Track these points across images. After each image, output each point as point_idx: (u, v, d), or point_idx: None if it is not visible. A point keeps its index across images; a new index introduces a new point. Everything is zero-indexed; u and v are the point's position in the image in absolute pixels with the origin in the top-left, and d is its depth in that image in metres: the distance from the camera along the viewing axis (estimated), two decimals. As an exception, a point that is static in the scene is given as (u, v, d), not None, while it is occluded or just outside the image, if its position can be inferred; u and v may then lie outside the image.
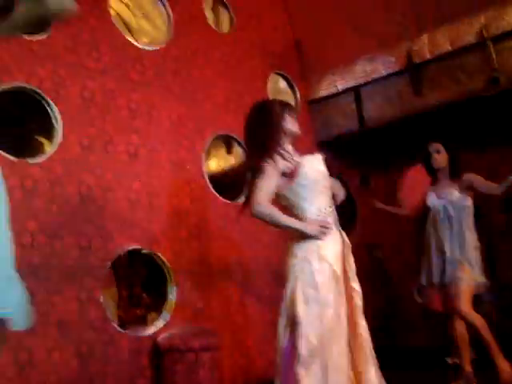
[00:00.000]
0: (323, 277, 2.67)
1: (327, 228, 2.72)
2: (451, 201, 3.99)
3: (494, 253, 5.13)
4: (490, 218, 5.15)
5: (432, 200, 4.11)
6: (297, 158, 2.85)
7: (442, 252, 3.96)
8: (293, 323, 2.68)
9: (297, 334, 2.61)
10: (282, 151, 2.80)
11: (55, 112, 3.79)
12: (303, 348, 2.56)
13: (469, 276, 3.85)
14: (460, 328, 3.99)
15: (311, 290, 2.66)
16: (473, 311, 3.81)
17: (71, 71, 3.92)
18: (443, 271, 3.93)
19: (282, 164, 2.77)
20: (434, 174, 4.18)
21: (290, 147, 2.89)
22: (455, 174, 4.05)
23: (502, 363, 3.70)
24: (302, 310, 2.64)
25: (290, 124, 2.89)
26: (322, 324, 2.61)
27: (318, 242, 2.72)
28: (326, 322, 2.62)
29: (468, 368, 3.91)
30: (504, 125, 5.41)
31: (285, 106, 2.97)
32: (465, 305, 3.81)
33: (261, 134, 2.83)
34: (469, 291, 3.86)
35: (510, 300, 4.72)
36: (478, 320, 3.76)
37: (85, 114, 3.94)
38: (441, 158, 4.10)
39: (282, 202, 2.83)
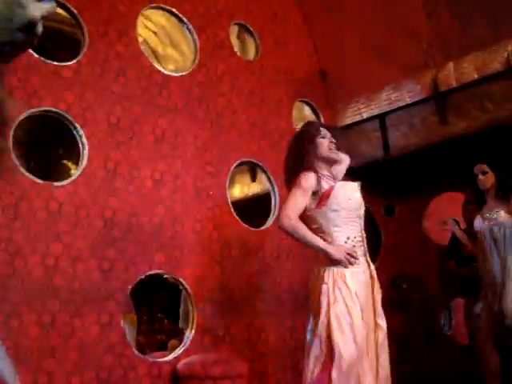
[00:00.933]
0: (353, 304, 2.64)
1: (353, 257, 2.68)
2: (497, 222, 3.88)
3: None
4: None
5: (478, 224, 4.00)
6: (332, 182, 2.85)
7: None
8: (328, 352, 2.63)
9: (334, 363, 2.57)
10: (317, 171, 2.80)
11: (82, 136, 3.84)
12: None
13: None
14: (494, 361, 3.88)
15: (346, 316, 2.62)
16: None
17: (98, 96, 3.98)
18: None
19: (315, 182, 2.77)
20: (480, 196, 4.08)
21: (325, 172, 2.89)
22: (504, 195, 3.94)
23: None
24: (338, 337, 2.59)
25: (322, 148, 2.89)
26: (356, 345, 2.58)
27: (345, 270, 2.68)
28: (359, 342, 2.59)
29: None
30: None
31: (319, 128, 2.99)
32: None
33: (296, 153, 2.86)
34: None
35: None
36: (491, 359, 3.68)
37: (111, 139, 3.98)
38: (487, 179, 4.02)
39: (312, 224, 2.81)
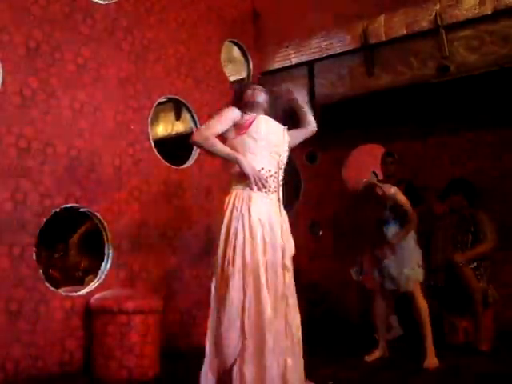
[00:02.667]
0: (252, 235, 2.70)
1: (262, 182, 2.74)
2: None
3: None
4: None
5: None
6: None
7: None
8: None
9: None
10: (243, 108, 2.95)
11: (-5, 58, 3.61)
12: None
13: None
14: (379, 306, 4.28)
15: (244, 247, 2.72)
16: (421, 295, 4.02)
17: (16, 17, 3.73)
18: None
19: (239, 115, 2.89)
20: None
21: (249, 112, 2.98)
22: None
23: (431, 352, 3.92)
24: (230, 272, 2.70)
25: (247, 95, 3.05)
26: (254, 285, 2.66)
27: (252, 193, 2.75)
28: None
29: (382, 342, 4.27)
30: (449, 113, 5.54)
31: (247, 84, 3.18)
32: (417, 288, 4.03)
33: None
34: None
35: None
36: (423, 303, 3.99)
37: (29, 65, 3.76)
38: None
39: None
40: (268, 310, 2.62)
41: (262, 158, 2.83)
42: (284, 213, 2.93)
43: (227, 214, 2.79)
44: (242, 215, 2.72)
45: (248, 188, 2.78)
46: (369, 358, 4.14)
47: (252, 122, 2.88)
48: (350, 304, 6.01)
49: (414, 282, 4.02)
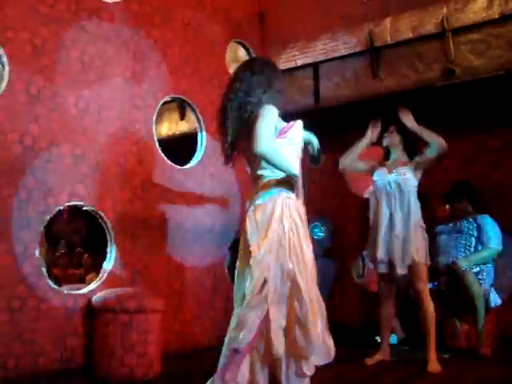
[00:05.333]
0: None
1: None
2: (404, 178, 4.09)
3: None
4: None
5: (381, 175, 4.20)
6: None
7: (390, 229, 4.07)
8: None
9: None
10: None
11: (2, 56, 3.62)
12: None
13: None
14: (385, 308, 4.22)
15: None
16: (429, 296, 3.99)
17: (22, 14, 3.74)
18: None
19: (277, 115, 2.77)
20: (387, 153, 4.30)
21: None
22: (410, 155, 4.22)
23: (434, 356, 3.90)
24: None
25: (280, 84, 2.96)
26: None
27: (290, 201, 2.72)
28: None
29: (385, 345, 4.23)
30: (453, 116, 5.53)
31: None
32: (425, 287, 3.99)
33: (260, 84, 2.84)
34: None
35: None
36: (430, 307, 3.94)
37: (34, 62, 3.77)
38: (393, 138, 4.22)
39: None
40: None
41: (296, 165, 2.80)
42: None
43: (276, 219, 2.69)
44: (296, 224, 2.70)
45: (292, 194, 2.74)
46: (369, 362, 4.13)
47: (291, 126, 2.81)
48: (350, 305, 6.01)
49: (422, 256, 3.98)
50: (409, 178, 4.08)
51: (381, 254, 4.07)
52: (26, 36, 3.74)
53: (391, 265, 4.05)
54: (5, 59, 3.61)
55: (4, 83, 3.61)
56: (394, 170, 4.14)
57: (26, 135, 3.67)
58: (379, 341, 4.38)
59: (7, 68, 3.62)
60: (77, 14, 4.06)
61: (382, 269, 4.11)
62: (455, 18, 4.69)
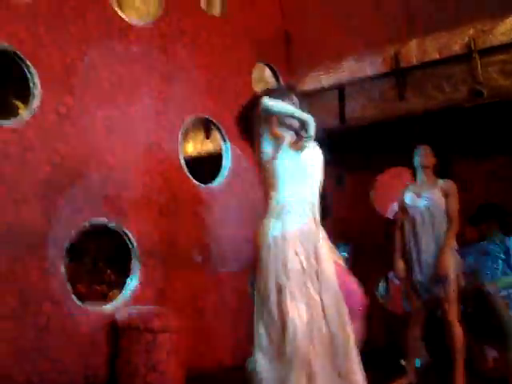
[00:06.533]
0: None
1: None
2: (434, 202, 4.08)
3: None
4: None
5: (412, 199, 4.17)
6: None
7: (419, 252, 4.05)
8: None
9: None
10: None
11: (34, 76, 3.70)
12: None
13: None
14: (414, 333, 4.16)
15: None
16: (458, 321, 3.93)
17: (54, 36, 3.82)
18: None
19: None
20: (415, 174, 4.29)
21: None
22: (440, 176, 4.20)
23: (462, 382, 3.87)
24: None
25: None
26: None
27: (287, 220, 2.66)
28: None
29: (411, 368, 4.18)
30: (479, 136, 5.47)
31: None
32: (454, 313, 3.93)
33: None
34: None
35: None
36: (459, 331, 3.90)
37: (64, 82, 3.85)
38: (426, 158, 4.22)
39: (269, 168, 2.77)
40: None
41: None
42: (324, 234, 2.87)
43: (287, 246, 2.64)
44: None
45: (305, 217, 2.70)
46: None
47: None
48: (373, 327, 5.92)
49: (453, 278, 3.93)
50: (438, 201, 4.05)
51: (414, 276, 4.05)
52: (57, 56, 3.82)
53: (422, 287, 4.02)
54: (36, 79, 3.69)
55: (36, 102, 3.68)
56: (422, 194, 4.13)
57: (55, 154, 3.73)
58: (404, 364, 4.31)
59: (39, 87, 3.69)
60: (106, 35, 4.14)
61: (414, 291, 4.07)
62: (482, 39, 4.67)
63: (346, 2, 5.57)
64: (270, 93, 2.85)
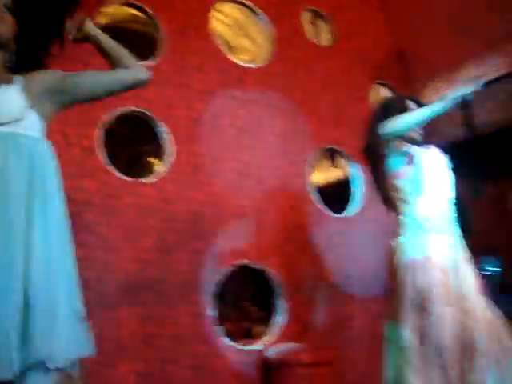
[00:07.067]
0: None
1: None
2: None
3: None
4: None
5: None
6: None
7: None
8: None
9: None
10: None
11: (164, 133, 3.95)
12: None
13: None
14: None
15: None
16: None
17: (178, 93, 4.07)
18: None
19: None
20: None
21: None
22: None
23: None
24: None
25: None
26: None
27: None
28: None
29: None
30: None
31: None
32: None
33: None
34: None
35: None
36: None
37: (193, 134, 4.07)
38: None
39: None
40: None
41: None
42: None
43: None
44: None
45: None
46: None
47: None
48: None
49: None
50: None
51: None
52: (183, 111, 4.06)
53: None
54: (165, 135, 3.94)
55: (169, 158, 3.92)
56: None
57: (193, 202, 3.94)
58: None
59: (170, 143, 3.94)
60: (225, 84, 4.33)
61: None
62: None
63: (455, 5, 5.38)
64: (386, 110, 2.79)
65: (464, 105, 5.29)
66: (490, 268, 5.92)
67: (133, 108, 3.87)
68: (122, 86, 1.96)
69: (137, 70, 1.97)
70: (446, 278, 2.53)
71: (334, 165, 6.21)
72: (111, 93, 1.98)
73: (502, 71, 5.04)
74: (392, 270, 2.60)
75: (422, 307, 2.46)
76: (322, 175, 6.41)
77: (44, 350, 1.57)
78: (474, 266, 2.68)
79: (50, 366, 1.57)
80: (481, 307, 2.54)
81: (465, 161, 5.40)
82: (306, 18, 5.23)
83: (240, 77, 4.43)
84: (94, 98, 1.98)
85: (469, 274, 2.62)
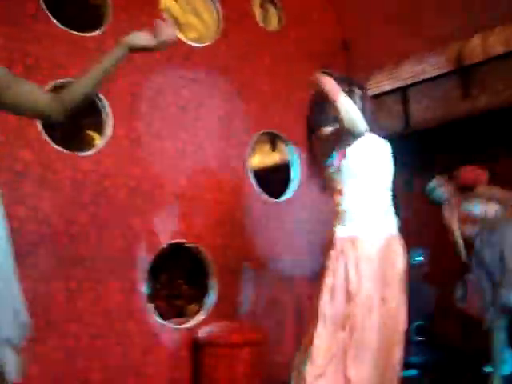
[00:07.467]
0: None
1: None
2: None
3: None
4: None
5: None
6: None
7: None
8: None
9: None
10: None
11: (106, 107, 3.88)
12: None
13: None
14: (496, 337, 4.08)
15: None
16: None
17: (121, 67, 3.97)
18: None
19: None
20: None
21: None
22: None
23: None
24: None
25: None
26: None
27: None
28: None
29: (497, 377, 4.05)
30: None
31: None
32: None
33: None
34: None
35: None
36: None
37: (133, 110, 4.02)
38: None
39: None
40: None
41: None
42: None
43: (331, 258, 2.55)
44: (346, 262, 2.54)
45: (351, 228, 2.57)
46: None
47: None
48: (452, 332, 5.79)
49: None
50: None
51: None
52: (126, 86, 4.00)
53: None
54: (108, 109, 3.87)
55: (108, 132, 3.86)
56: None
57: (131, 178, 3.90)
58: (488, 371, 4.20)
59: (111, 117, 3.88)
60: (170, 61, 4.28)
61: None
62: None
63: (404, 3, 5.51)
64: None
65: (403, 100, 5.49)
66: (417, 258, 6.18)
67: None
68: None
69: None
70: (374, 266, 2.57)
71: (275, 149, 6.26)
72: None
73: (441, 70, 5.21)
74: (325, 256, 2.63)
75: (348, 293, 2.50)
76: (262, 159, 6.46)
77: None
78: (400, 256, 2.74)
79: None
80: (396, 301, 2.59)
81: (399, 154, 5.57)
82: (256, 0, 5.22)
83: (185, 55, 4.39)
84: (17, 115, 1.96)
85: (396, 264, 2.67)
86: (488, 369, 4.29)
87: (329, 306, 2.49)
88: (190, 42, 4.51)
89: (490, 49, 4.88)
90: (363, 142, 2.58)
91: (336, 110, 2.40)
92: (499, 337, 4.10)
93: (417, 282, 5.80)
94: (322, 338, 2.46)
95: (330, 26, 5.78)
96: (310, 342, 2.48)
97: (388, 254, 2.60)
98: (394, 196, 2.77)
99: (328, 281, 2.53)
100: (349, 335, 2.44)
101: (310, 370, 2.43)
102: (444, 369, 5.03)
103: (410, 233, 6.00)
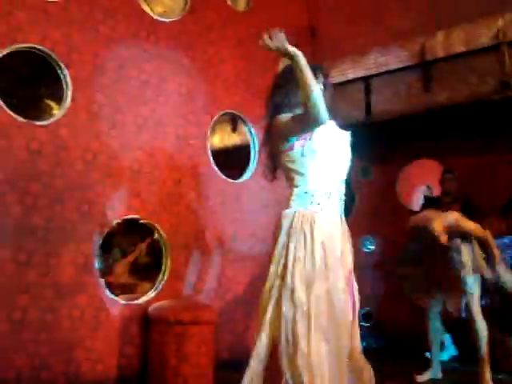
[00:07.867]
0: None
1: None
2: None
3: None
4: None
5: None
6: None
7: None
8: None
9: None
10: None
11: (66, 76, 3.80)
12: None
13: None
14: (434, 324, 4.30)
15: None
16: (481, 315, 3.95)
17: (85, 37, 3.92)
18: None
19: None
20: None
21: None
22: None
23: (487, 376, 3.90)
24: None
25: None
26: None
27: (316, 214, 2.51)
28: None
29: (436, 362, 4.27)
30: (506, 130, 5.42)
31: None
32: (477, 308, 3.99)
33: None
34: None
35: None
36: (482, 325, 3.95)
37: (95, 81, 3.95)
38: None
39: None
40: None
41: None
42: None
43: (284, 233, 2.56)
44: (305, 236, 2.64)
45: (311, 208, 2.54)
46: (420, 379, 4.10)
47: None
48: (400, 318, 5.95)
49: (469, 270, 3.94)
50: None
51: None
52: (88, 57, 3.92)
53: None
54: (69, 79, 3.79)
55: (68, 102, 3.78)
56: None
57: (88, 151, 3.84)
58: (429, 357, 4.35)
59: (71, 87, 3.80)
60: (135, 34, 4.22)
61: None
62: (511, 30, 4.62)
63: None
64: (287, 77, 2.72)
65: (366, 90, 5.55)
66: (369, 246, 6.31)
67: (36, 45, 3.67)
68: None
69: None
70: (325, 251, 2.60)
71: (235, 130, 6.25)
72: None
73: (404, 63, 5.28)
74: (277, 238, 2.64)
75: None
76: (222, 139, 6.44)
77: None
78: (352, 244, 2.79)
79: None
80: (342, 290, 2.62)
81: (359, 143, 5.64)
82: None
83: (151, 29, 4.33)
84: None
85: (346, 252, 2.71)
86: (428, 355, 4.45)
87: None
88: (156, 17, 4.44)
89: (451, 47, 4.97)
90: (325, 129, 2.60)
91: (307, 96, 2.40)
92: (435, 324, 4.28)
93: (366, 269, 5.94)
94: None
95: (298, 12, 5.79)
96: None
97: (343, 235, 2.65)
98: (348, 184, 2.81)
99: (277, 255, 2.56)
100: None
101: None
102: (386, 355, 5.18)
103: (363, 221, 6.20)
